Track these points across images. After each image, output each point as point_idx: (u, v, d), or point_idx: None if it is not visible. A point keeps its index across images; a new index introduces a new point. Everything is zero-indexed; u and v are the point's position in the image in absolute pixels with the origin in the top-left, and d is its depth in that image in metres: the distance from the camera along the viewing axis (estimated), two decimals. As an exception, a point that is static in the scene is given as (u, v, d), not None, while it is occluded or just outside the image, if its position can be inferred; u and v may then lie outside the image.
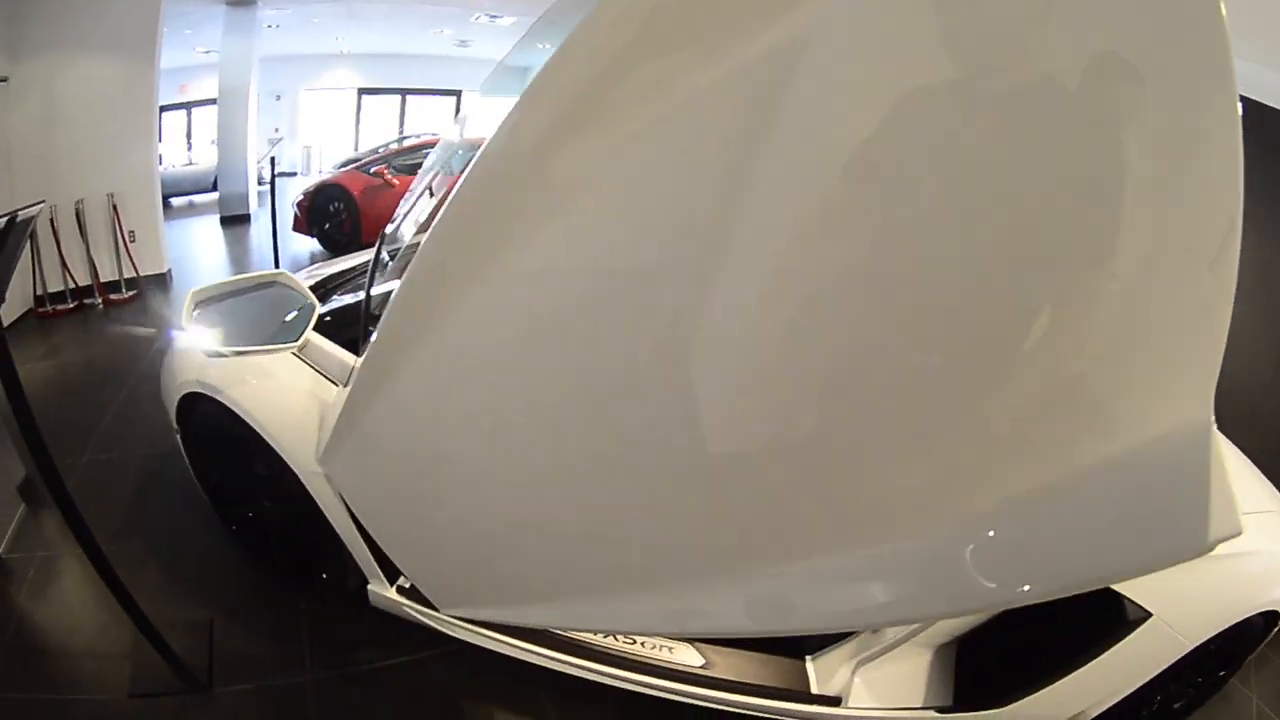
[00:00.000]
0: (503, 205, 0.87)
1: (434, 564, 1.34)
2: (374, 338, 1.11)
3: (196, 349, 1.80)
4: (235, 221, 6.43)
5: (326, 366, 1.71)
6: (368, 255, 2.74)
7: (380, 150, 6.77)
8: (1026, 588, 0.84)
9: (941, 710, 1.71)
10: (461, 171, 0.92)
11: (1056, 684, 1.69)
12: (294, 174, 8.05)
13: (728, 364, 0.84)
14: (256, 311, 2.13)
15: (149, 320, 4.02)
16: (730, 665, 1.76)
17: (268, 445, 1.67)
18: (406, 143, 6.59)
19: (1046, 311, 0.74)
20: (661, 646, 1.73)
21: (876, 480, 0.86)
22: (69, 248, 4.14)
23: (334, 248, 5.39)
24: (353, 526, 1.62)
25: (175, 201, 7.15)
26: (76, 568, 1.92)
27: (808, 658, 1.83)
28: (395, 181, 5.38)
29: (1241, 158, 0.64)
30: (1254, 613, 1.78)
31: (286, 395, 1.71)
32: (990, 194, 0.70)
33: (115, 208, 4.37)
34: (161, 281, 4.70)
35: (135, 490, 2.34)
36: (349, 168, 5.76)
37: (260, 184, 6.63)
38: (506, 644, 1.68)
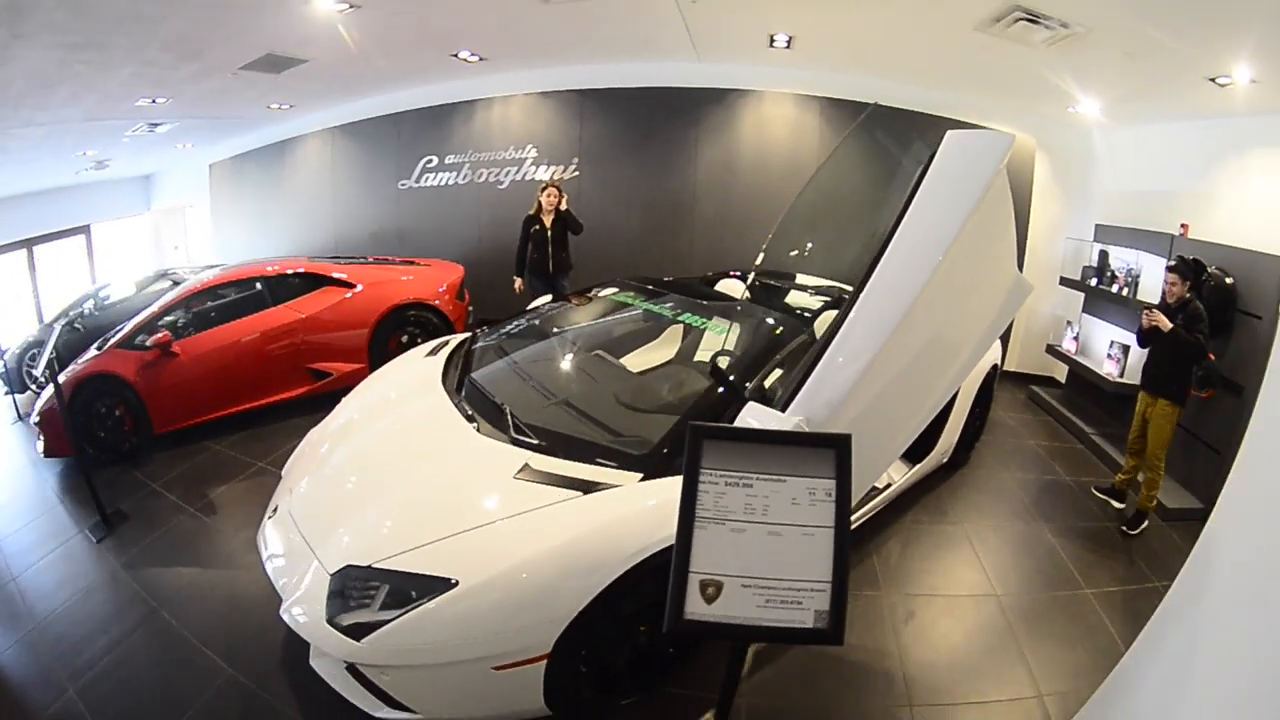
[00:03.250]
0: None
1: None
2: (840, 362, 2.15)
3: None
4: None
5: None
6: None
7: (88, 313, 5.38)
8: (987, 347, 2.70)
9: (913, 463, 3.60)
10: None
11: (942, 435, 3.74)
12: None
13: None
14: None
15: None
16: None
17: None
18: (164, 297, 5.07)
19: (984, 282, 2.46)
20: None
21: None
22: None
23: (120, 457, 4.31)
24: None
25: None
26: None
27: None
28: (178, 350, 4.47)
29: (1014, 229, 2.50)
30: (989, 367, 4.19)
31: None
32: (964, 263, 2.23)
33: None
34: None
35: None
36: (105, 347, 4.52)
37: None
38: None
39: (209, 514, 3.72)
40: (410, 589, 1.96)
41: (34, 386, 6.08)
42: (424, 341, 4.76)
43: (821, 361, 2.12)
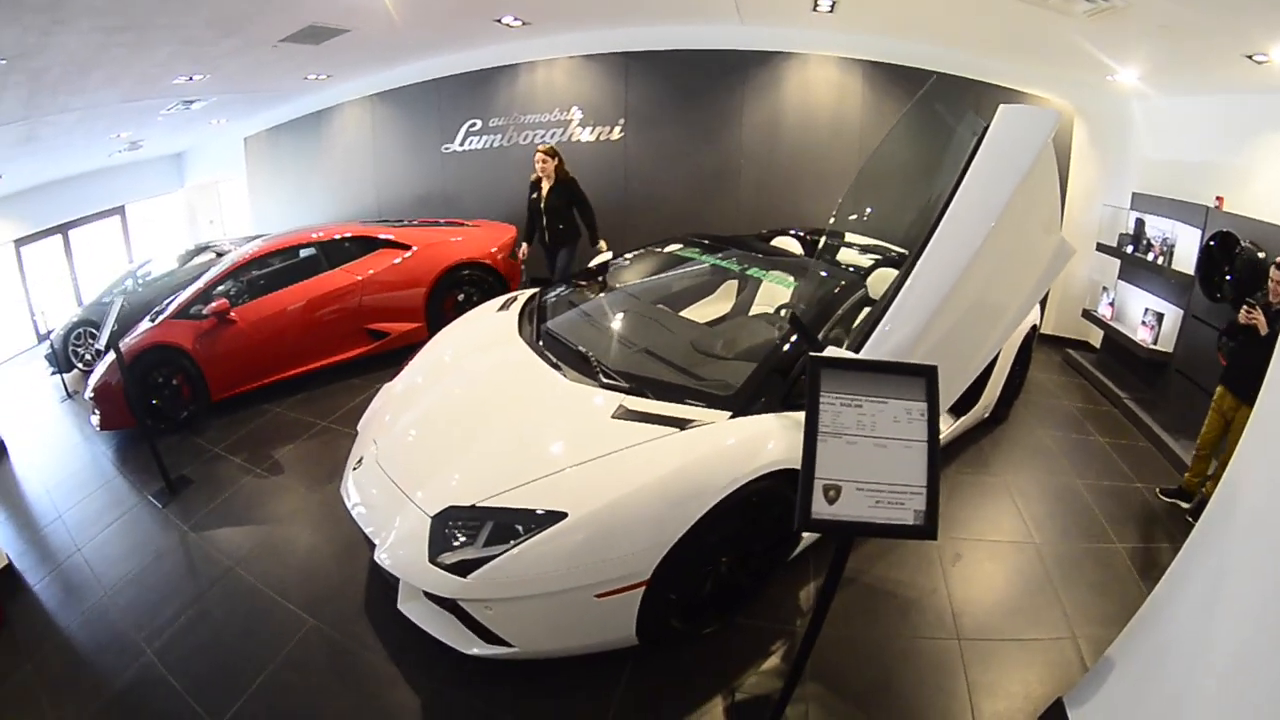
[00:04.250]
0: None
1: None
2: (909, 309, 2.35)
3: None
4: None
5: None
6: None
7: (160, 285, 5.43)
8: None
9: (956, 416, 3.68)
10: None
11: (985, 391, 3.83)
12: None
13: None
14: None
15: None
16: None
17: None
18: (216, 267, 5.10)
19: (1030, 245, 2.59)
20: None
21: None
22: None
23: (176, 426, 4.35)
24: None
25: None
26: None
27: None
28: (235, 317, 4.54)
29: (1059, 197, 2.70)
30: (1029, 328, 4.22)
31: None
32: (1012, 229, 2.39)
33: None
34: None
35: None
36: (160, 319, 4.58)
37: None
38: None
39: (277, 473, 3.79)
40: (516, 524, 2.06)
41: (80, 365, 6.20)
42: (480, 300, 4.78)
43: (887, 314, 2.34)
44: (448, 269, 5.22)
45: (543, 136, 6.76)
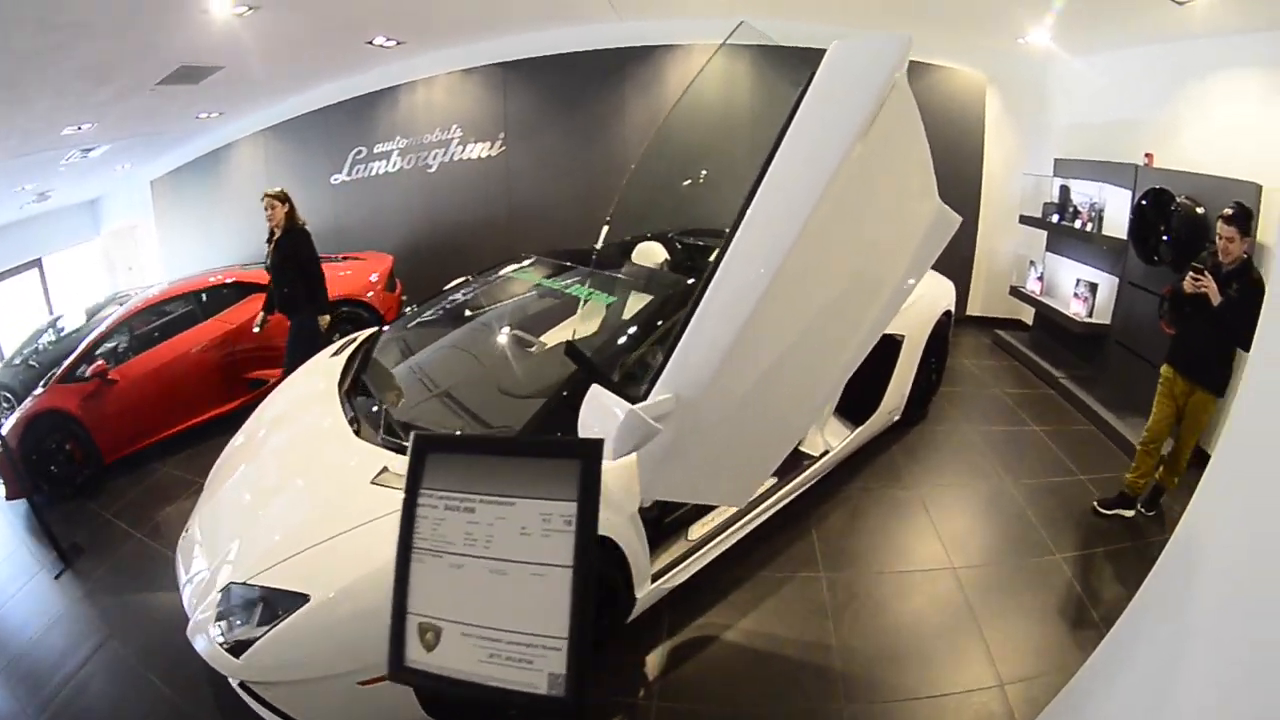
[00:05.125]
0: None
1: (726, 479, 2.16)
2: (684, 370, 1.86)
3: None
4: None
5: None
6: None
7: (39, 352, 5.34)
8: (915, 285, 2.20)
9: (855, 425, 3.44)
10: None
11: (887, 393, 3.52)
12: None
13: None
14: None
15: None
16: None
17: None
18: (99, 326, 4.89)
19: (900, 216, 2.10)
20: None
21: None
22: None
23: (75, 491, 4.27)
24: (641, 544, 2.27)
25: None
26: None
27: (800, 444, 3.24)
28: (116, 377, 4.44)
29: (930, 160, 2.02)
30: (939, 314, 3.88)
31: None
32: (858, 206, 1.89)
33: None
34: None
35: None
36: (49, 384, 4.48)
37: None
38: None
39: (154, 538, 3.72)
40: (278, 605, 1.91)
41: None
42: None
43: (691, 323, 1.84)
44: None
45: (426, 159, 6.58)
